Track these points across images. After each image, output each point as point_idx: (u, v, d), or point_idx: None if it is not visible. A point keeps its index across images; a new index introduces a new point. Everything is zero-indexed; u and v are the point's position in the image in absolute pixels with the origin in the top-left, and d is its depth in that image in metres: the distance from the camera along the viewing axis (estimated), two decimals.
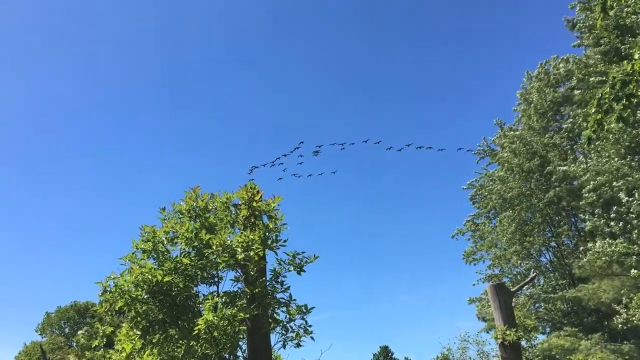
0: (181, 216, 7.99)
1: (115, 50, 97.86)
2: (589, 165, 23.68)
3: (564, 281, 29.03)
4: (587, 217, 24.60)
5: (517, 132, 30.32)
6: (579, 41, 26.86)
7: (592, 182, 23.43)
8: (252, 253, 7.55)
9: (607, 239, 21.94)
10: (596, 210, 23.86)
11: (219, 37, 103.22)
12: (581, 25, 25.74)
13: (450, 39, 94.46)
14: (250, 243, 7.48)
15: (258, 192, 7.99)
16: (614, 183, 22.31)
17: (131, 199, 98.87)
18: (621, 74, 6.66)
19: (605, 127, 7.39)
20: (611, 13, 22.04)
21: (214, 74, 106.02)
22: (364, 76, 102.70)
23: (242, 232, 7.77)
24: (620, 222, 21.95)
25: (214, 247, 7.52)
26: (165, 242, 7.89)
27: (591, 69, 24.44)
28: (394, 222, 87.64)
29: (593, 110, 6.94)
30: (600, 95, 6.89)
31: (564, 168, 25.87)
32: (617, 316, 21.44)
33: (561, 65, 29.23)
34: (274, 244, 7.94)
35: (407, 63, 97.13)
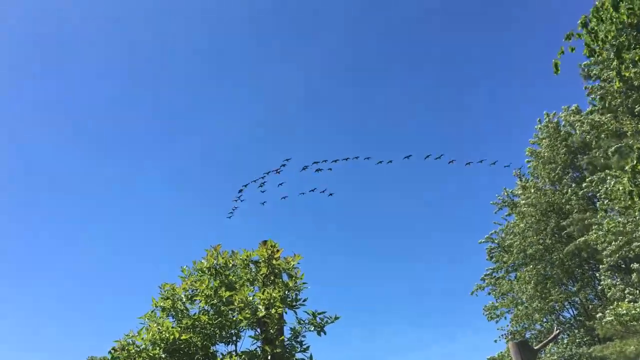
0: (202, 274, 8.03)
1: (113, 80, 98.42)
2: (608, 228, 23.39)
3: (589, 338, 28.16)
4: (605, 276, 24.26)
5: (533, 186, 30.32)
6: (590, 107, 27.20)
7: (613, 243, 23.13)
8: (273, 311, 7.52)
9: (627, 304, 21.62)
10: (616, 275, 23.64)
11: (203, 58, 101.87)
12: (594, 96, 26.08)
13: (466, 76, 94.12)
14: (272, 300, 7.47)
15: (278, 250, 8.03)
16: (634, 244, 22.06)
17: (152, 254, 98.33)
18: None
19: None
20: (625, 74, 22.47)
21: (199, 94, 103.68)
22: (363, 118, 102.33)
23: (263, 289, 7.77)
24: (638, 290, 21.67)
25: (235, 304, 7.51)
26: (184, 299, 7.90)
27: (605, 126, 24.66)
28: (407, 275, 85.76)
29: (627, 182, 6.98)
30: (633, 166, 6.95)
31: (583, 238, 25.57)
32: None
33: (572, 118, 29.42)
34: (294, 303, 7.91)
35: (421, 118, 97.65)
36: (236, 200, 30.80)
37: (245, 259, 8.18)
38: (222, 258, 8.11)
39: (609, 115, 24.87)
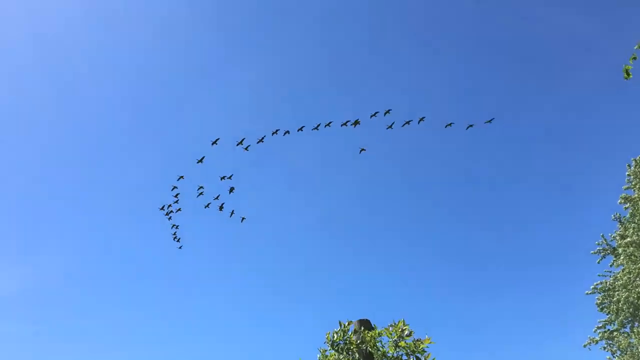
0: (328, 350, 8.01)
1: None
2: None
3: None
4: None
5: (630, 237, 28.31)
6: None
7: None
8: None
9: None
10: None
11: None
12: None
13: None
14: None
15: (410, 333, 7.85)
16: None
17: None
18: None
19: None
20: None
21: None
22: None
23: None
24: None
25: None
26: None
27: None
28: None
29: None
30: None
31: None
32: None
33: None
34: None
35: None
36: (175, 227, 31.02)
37: (374, 338, 8.05)
38: (352, 334, 8.04)
39: None
